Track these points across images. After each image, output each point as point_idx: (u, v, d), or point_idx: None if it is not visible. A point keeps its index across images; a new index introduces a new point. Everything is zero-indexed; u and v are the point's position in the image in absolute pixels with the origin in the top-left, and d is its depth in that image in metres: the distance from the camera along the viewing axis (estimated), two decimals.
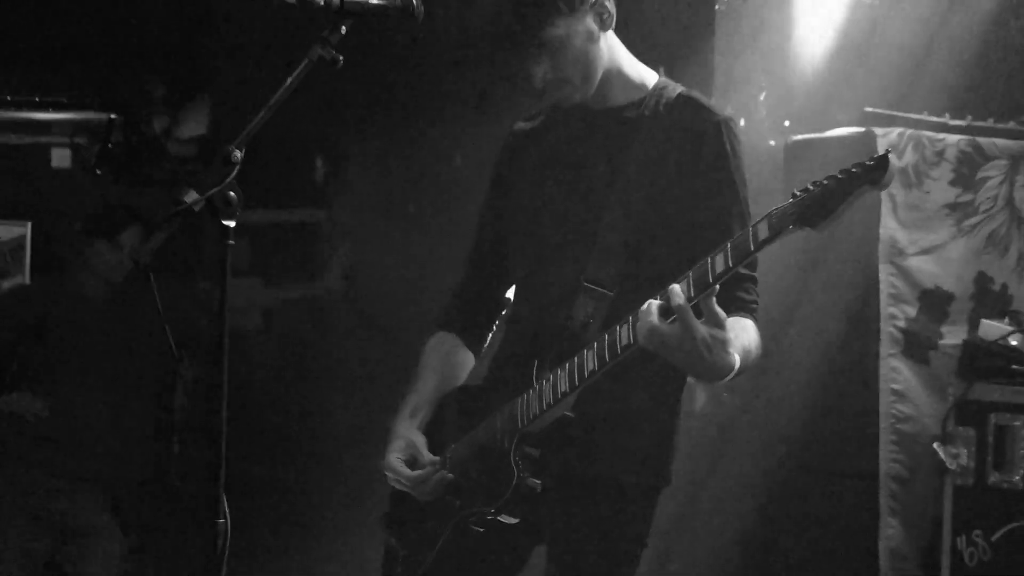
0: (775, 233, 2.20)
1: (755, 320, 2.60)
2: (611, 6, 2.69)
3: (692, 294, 2.26)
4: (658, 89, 2.81)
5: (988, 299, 4.18)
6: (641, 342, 2.32)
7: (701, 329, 2.25)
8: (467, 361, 2.99)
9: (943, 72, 4.47)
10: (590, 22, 2.68)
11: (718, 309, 2.26)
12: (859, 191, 2.12)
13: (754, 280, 2.62)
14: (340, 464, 5.17)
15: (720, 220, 2.59)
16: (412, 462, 2.78)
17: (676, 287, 2.26)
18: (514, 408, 2.67)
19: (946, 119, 4.26)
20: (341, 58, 2.39)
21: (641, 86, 2.82)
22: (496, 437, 2.70)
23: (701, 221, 2.63)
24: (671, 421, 2.80)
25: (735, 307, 2.53)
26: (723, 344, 2.28)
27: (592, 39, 2.71)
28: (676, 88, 2.80)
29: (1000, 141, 4.32)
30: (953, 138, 4.23)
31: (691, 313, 2.23)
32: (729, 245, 2.26)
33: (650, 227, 2.67)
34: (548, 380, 2.60)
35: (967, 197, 4.23)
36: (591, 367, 2.50)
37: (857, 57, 4.14)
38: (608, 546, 2.75)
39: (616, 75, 2.80)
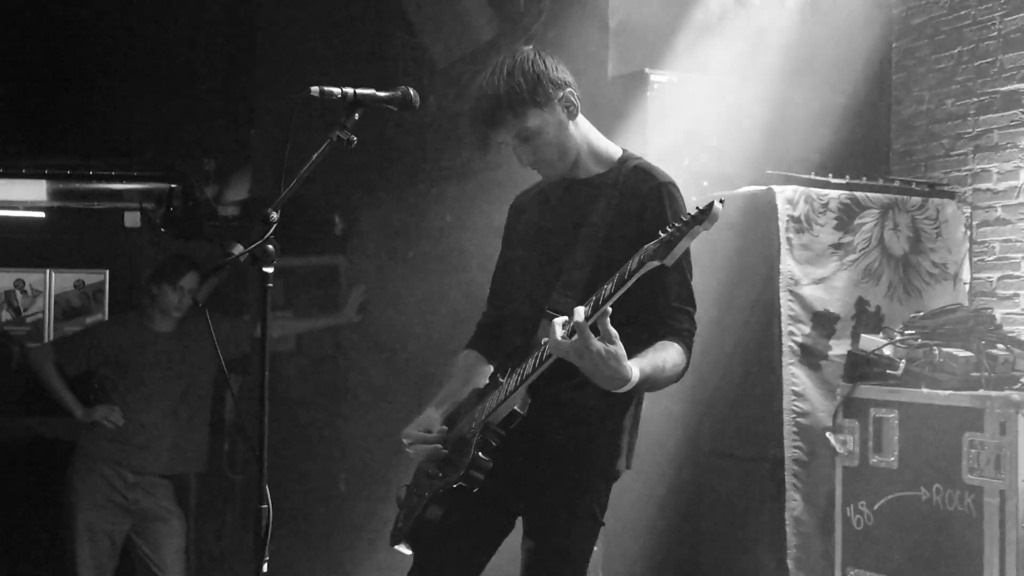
0: (640, 266, 2.30)
1: (685, 345, 2.59)
2: (575, 99, 2.73)
3: (590, 313, 2.30)
4: (621, 161, 2.83)
5: (866, 319, 4.19)
6: (551, 352, 2.38)
7: (597, 344, 2.28)
8: (486, 370, 2.94)
9: (829, 140, 4.50)
10: (559, 113, 2.69)
11: (611, 328, 2.28)
12: (693, 231, 2.25)
13: (688, 312, 2.61)
14: (355, 459, 5.14)
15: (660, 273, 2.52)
16: (425, 429, 2.78)
17: (580, 308, 2.32)
18: (483, 404, 2.71)
19: (829, 178, 4.28)
20: (355, 138, 2.41)
21: (608, 160, 2.84)
22: (471, 427, 2.71)
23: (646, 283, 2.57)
24: (624, 415, 2.77)
25: (667, 333, 2.57)
26: (616, 357, 2.30)
27: (563, 127, 2.72)
28: (635, 160, 2.82)
29: (872, 194, 4.33)
30: (835, 192, 4.25)
31: (587, 330, 2.25)
32: (616, 275, 2.34)
33: (604, 266, 2.62)
34: (505, 383, 2.65)
35: (848, 239, 4.24)
36: (528, 371, 2.55)
37: (760, 130, 4.15)
38: (569, 523, 2.72)
39: (587, 153, 2.81)
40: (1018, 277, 4.48)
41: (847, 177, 4.32)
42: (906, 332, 4.03)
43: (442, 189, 4.28)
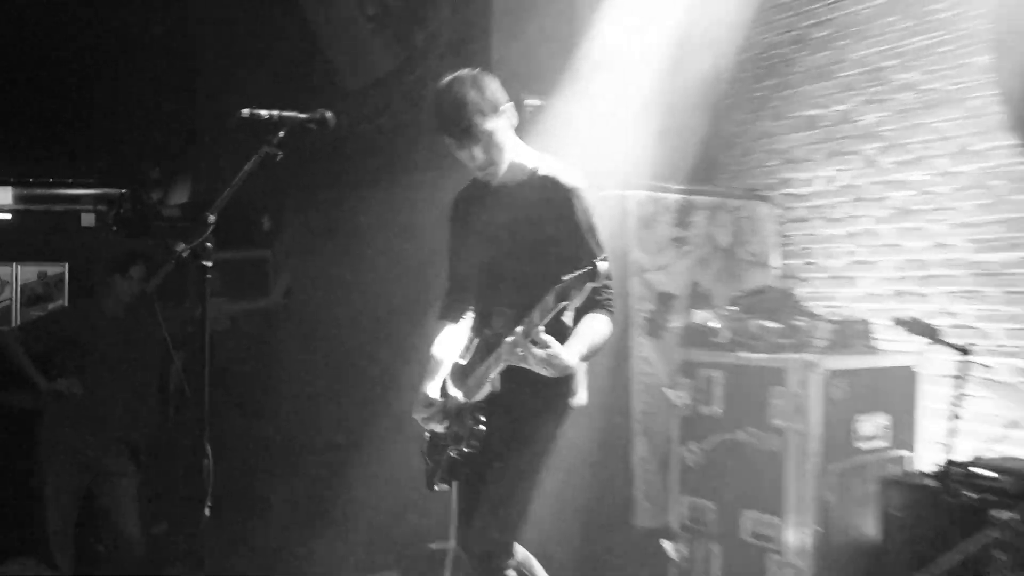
0: (559, 301, 2.36)
1: (608, 312, 2.69)
2: (515, 116, 2.80)
3: (528, 330, 2.43)
4: (536, 169, 2.84)
5: (697, 298, 4.34)
6: (504, 360, 2.55)
7: (539, 353, 2.44)
8: (459, 332, 2.97)
9: (672, 154, 4.55)
10: (504, 122, 2.75)
11: (545, 338, 2.42)
12: (588, 280, 2.34)
13: (606, 286, 2.65)
14: (284, 414, 5.15)
15: (574, 256, 2.59)
16: (427, 403, 2.85)
17: (519, 330, 2.45)
18: (466, 384, 2.77)
19: (669, 184, 4.40)
20: (280, 153, 2.46)
21: (528, 169, 2.84)
22: (463, 405, 2.78)
23: (563, 257, 2.62)
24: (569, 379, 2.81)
25: (594, 307, 2.65)
26: (556, 357, 2.46)
27: (507, 133, 2.78)
28: (548, 168, 2.82)
29: (702, 198, 4.49)
30: (674, 196, 4.38)
31: (528, 346, 2.42)
32: (539, 306, 2.42)
33: (533, 266, 2.70)
34: (478, 371, 2.73)
35: (684, 233, 4.37)
36: (492, 361, 2.65)
37: (619, 145, 4.19)
38: (523, 454, 2.78)
39: (515, 164, 2.84)
40: (813, 263, 4.68)
41: (683, 184, 4.45)
42: (729, 308, 4.16)
43: (357, 194, 4.33)
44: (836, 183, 4.58)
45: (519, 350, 2.45)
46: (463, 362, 2.88)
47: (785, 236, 4.79)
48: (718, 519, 3.86)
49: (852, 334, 3.96)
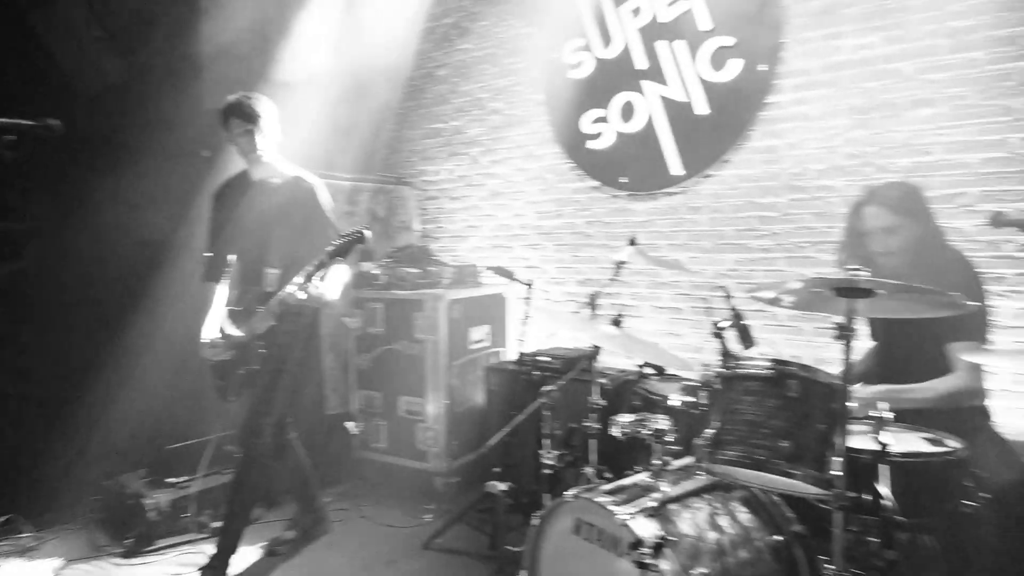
0: (334, 257, 2.54)
1: (348, 263, 2.75)
2: (277, 134, 2.85)
3: (304, 281, 2.54)
4: (287, 172, 2.88)
5: (366, 252, 4.11)
6: (288, 301, 2.60)
7: (314, 292, 2.56)
8: (219, 291, 2.88)
9: (351, 149, 4.47)
10: (274, 134, 2.82)
11: (319, 283, 2.55)
12: (358, 243, 2.55)
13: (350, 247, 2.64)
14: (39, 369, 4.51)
15: (322, 231, 2.75)
16: (213, 344, 2.77)
17: (300, 278, 2.53)
18: (252, 324, 2.74)
19: (341, 174, 4.37)
20: (11, 154, 2.23)
21: (280, 170, 2.88)
22: (248, 339, 2.76)
23: (314, 232, 2.76)
24: (317, 316, 2.96)
25: (342, 261, 2.68)
26: (324, 295, 2.61)
27: (271, 142, 2.83)
28: (296, 170, 2.90)
29: (366, 184, 4.55)
30: (346, 183, 4.40)
31: (307, 288, 2.53)
32: (318, 261, 2.53)
33: (293, 239, 2.77)
34: (259, 313, 2.72)
35: (353, 208, 4.42)
36: (276, 310, 2.68)
37: (310, 139, 3.84)
38: (287, 366, 2.84)
39: (273, 165, 2.87)
40: (441, 227, 4.89)
41: (351, 173, 4.47)
42: (385, 260, 4.24)
43: (97, 177, 3.83)
44: (454, 174, 4.85)
45: (300, 291, 2.56)
46: (239, 308, 2.85)
47: (423, 209, 4.98)
48: (383, 404, 3.93)
49: (466, 275, 4.24)
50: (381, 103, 4.76)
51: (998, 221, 2.11)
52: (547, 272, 4.45)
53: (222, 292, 2.93)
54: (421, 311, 3.83)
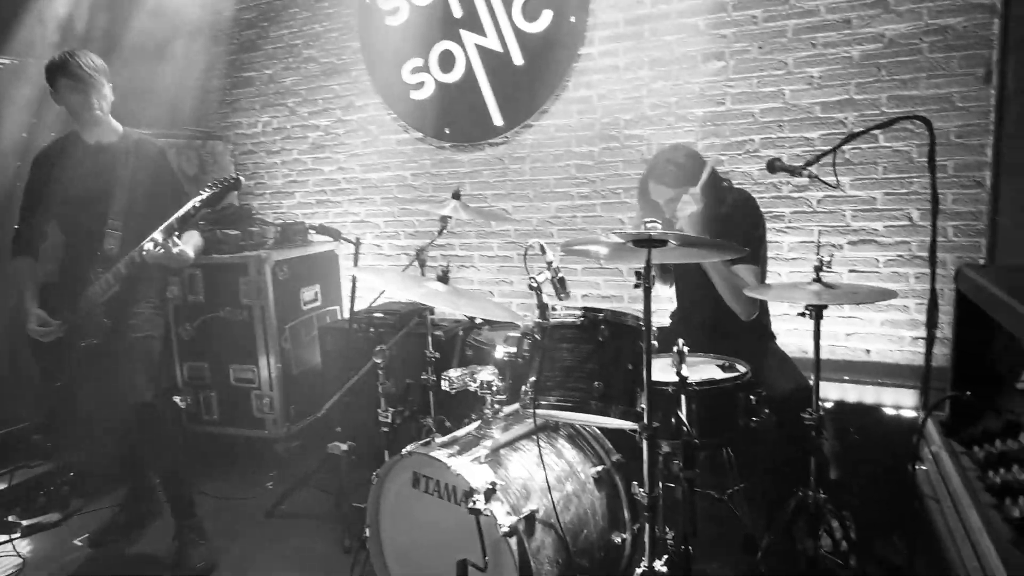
0: (203, 209, 2.49)
1: (199, 229, 2.74)
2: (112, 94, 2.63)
3: (162, 238, 2.43)
4: (127, 134, 2.71)
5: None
6: (147, 259, 2.47)
7: (173, 249, 2.45)
8: (36, 266, 2.72)
9: (182, 109, 4.30)
10: (108, 92, 2.62)
11: (178, 240, 2.46)
12: (234, 189, 2.55)
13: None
14: None
15: (172, 198, 2.59)
16: (44, 323, 2.58)
17: (158, 234, 2.43)
18: (91, 293, 2.58)
19: (144, 131, 4.05)
20: None
21: (118, 131, 2.71)
22: (87, 309, 2.59)
23: (163, 197, 2.61)
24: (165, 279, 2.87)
25: (193, 227, 2.65)
26: (184, 251, 2.50)
27: (108, 101, 2.64)
28: (138, 133, 2.74)
29: (172, 140, 4.19)
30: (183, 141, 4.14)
31: (168, 244, 2.43)
32: (180, 215, 2.45)
33: (140, 200, 2.62)
34: (103, 278, 2.57)
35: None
36: (124, 272, 2.56)
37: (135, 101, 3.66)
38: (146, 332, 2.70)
39: (109, 125, 2.69)
40: (263, 183, 4.71)
41: (183, 128, 4.29)
42: (200, 222, 3.85)
43: None
44: (271, 126, 4.65)
45: (160, 248, 2.42)
46: (67, 281, 2.68)
47: (239, 164, 4.76)
48: (211, 374, 3.80)
49: (292, 233, 4.10)
50: (183, 51, 4.41)
51: (773, 167, 2.38)
52: (377, 226, 4.41)
53: (32, 267, 2.72)
54: (245, 275, 3.70)
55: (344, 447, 2.97)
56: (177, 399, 3.91)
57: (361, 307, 3.55)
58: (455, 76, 3.96)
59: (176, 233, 2.47)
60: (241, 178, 2.57)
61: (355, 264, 3.27)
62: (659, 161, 2.55)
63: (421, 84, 4.07)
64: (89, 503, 3.38)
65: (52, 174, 2.70)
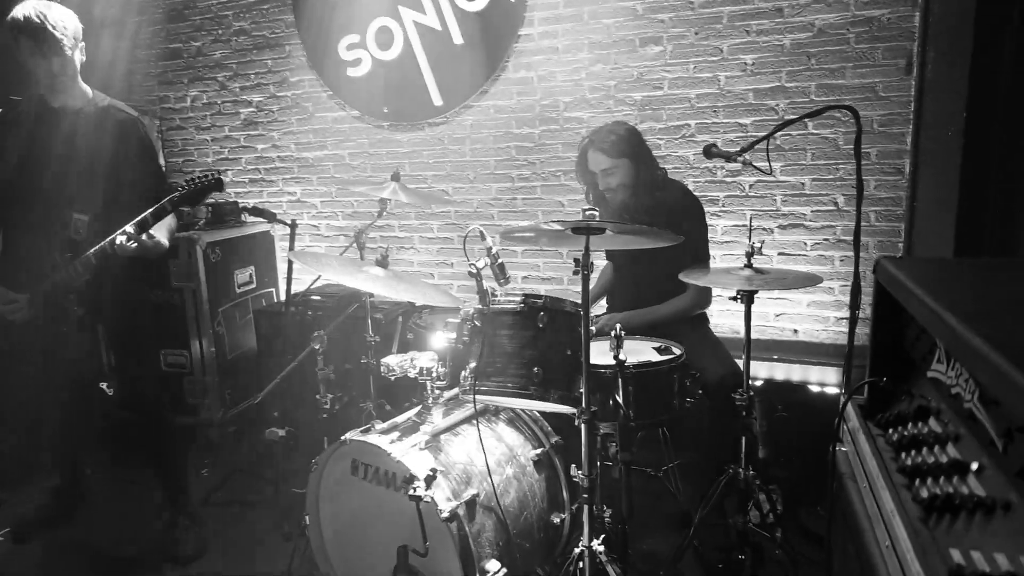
0: (181, 206, 2.29)
1: (174, 214, 2.44)
2: (83, 54, 2.38)
3: (135, 232, 2.22)
4: (95, 99, 2.44)
5: None
6: (119, 252, 2.25)
7: (148, 242, 2.25)
8: None
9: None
10: (78, 55, 2.34)
11: (155, 232, 2.27)
12: (216, 190, 2.34)
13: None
14: None
15: (147, 177, 2.42)
16: (8, 300, 2.38)
17: (131, 228, 2.22)
18: (66, 275, 2.36)
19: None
20: None
21: (86, 96, 2.43)
22: (60, 291, 2.40)
23: (138, 172, 2.39)
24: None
25: (160, 213, 2.35)
26: (159, 244, 2.31)
27: (76, 64, 2.37)
28: (106, 99, 2.46)
29: None
30: None
31: (140, 238, 2.22)
32: (155, 209, 2.25)
33: (109, 179, 2.36)
34: (79, 261, 2.34)
35: None
36: (95, 262, 2.32)
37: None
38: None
39: (78, 89, 2.42)
40: (192, 160, 4.56)
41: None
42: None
43: None
44: (200, 101, 4.49)
45: (132, 242, 2.21)
46: (30, 259, 2.46)
47: (167, 140, 4.59)
48: (138, 361, 3.66)
49: (225, 213, 3.98)
50: (111, 19, 4.20)
51: (709, 153, 2.44)
52: (314, 207, 4.33)
53: None
54: (175, 257, 3.60)
55: (282, 433, 2.92)
56: (103, 386, 3.78)
57: (298, 290, 3.47)
58: (393, 53, 3.89)
59: (150, 227, 2.29)
60: (223, 178, 2.36)
61: (291, 247, 3.19)
62: (601, 131, 2.63)
63: (358, 61, 3.99)
64: (12, 494, 3.24)
65: (8, 137, 2.50)
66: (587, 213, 1.78)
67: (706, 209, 3.21)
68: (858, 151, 2.22)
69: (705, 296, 2.66)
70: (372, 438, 2.03)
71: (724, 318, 3.40)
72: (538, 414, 2.32)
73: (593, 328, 2.53)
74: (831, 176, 3.22)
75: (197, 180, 2.32)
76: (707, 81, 3.35)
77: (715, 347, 2.61)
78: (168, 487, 2.80)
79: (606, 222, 1.78)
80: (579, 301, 1.89)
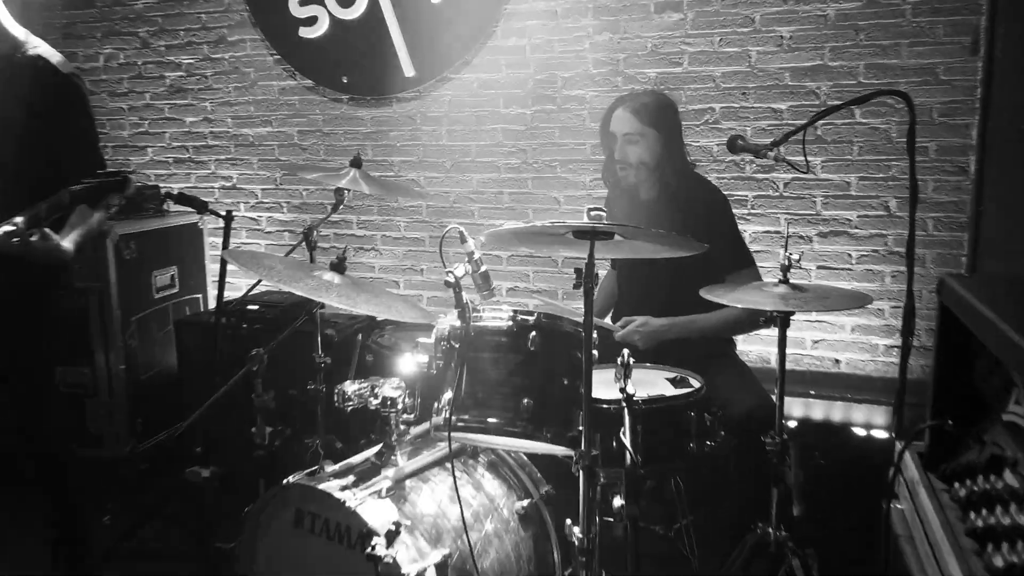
0: (74, 203, 2.13)
1: (107, 208, 2.38)
2: None
3: (34, 221, 2.11)
4: (23, 44, 2.34)
5: None
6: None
7: (40, 245, 2.16)
8: None
9: None
10: None
11: (49, 232, 2.17)
12: (116, 191, 2.17)
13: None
14: None
15: (76, 149, 2.33)
16: None
17: (19, 220, 2.10)
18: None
19: None
20: None
21: (18, 41, 2.34)
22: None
23: (66, 148, 2.31)
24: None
25: (96, 203, 2.28)
26: (57, 248, 2.24)
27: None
28: (37, 47, 2.34)
29: None
30: None
31: (27, 235, 2.11)
32: (51, 201, 2.11)
33: (23, 154, 2.27)
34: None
35: None
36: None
37: None
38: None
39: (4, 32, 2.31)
40: (105, 133, 4.44)
41: None
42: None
43: None
44: (116, 61, 4.47)
45: (16, 240, 2.08)
46: None
47: None
48: (27, 379, 3.43)
49: (143, 200, 3.92)
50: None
51: (734, 146, 2.46)
52: (254, 196, 4.32)
53: None
54: (80, 252, 3.53)
55: (207, 473, 2.89)
56: None
57: (232, 297, 3.42)
58: (356, 12, 3.90)
59: (44, 225, 2.19)
60: (131, 177, 2.24)
61: (225, 244, 3.17)
62: (636, 92, 2.72)
63: (313, 19, 3.99)
64: None
65: None
66: (592, 214, 1.78)
67: (734, 211, 3.23)
68: (911, 145, 2.25)
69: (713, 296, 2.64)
70: (321, 482, 2.01)
71: (752, 344, 3.42)
72: (526, 457, 2.32)
73: (617, 332, 2.55)
74: (881, 175, 3.26)
75: (98, 178, 2.20)
76: (735, 57, 3.39)
77: (743, 374, 2.63)
78: (61, 536, 2.75)
79: (615, 225, 1.78)
80: (579, 319, 1.89)
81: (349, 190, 2.70)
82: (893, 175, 3.25)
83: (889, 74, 3.18)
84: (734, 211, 2.96)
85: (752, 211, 3.43)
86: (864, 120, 3.26)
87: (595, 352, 1.92)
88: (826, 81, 3.27)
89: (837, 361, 3.39)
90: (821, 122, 3.21)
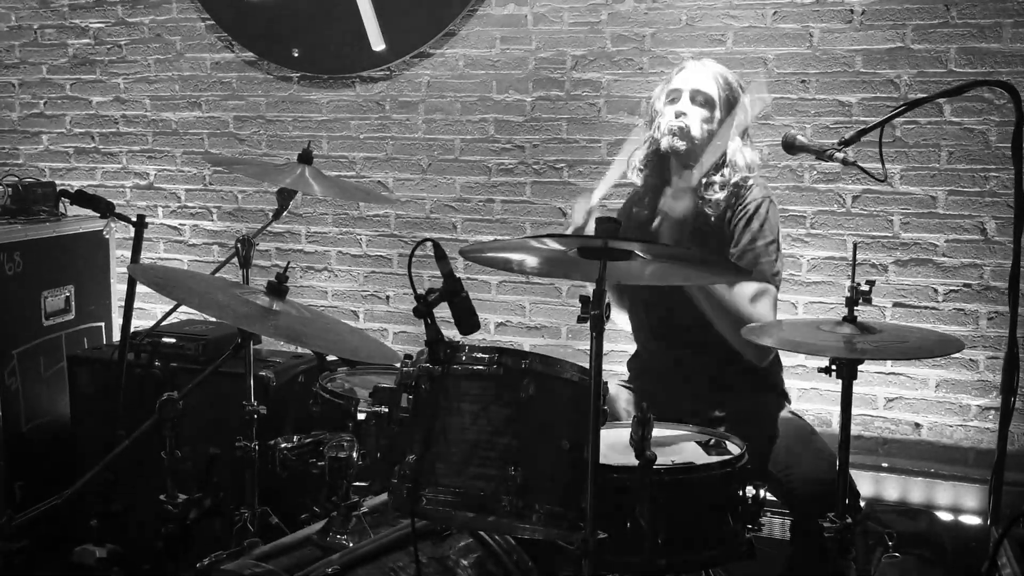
0: None
1: None
2: None
3: None
4: None
5: None
6: None
7: None
8: None
9: None
10: None
11: None
12: None
13: None
14: None
15: None
16: None
17: None
18: None
19: None
20: None
21: None
22: None
23: None
24: None
25: None
26: None
27: None
28: None
29: None
30: None
31: None
32: None
33: None
34: None
35: None
36: None
37: None
38: None
39: None
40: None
41: None
42: None
43: None
44: (6, 23, 4.50)
45: None
46: None
47: None
48: None
49: (31, 200, 3.95)
50: None
51: (791, 146, 2.47)
52: (176, 198, 4.35)
53: None
54: None
55: (102, 553, 2.88)
56: None
57: (143, 326, 3.51)
58: None
59: None
60: None
61: (135, 258, 3.18)
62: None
63: None
64: None
65: None
66: (602, 225, 1.78)
67: (787, 231, 3.24)
68: (1017, 151, 2.25)
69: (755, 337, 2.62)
70: (248, 567, 1.99)
71: (807, 401, 3.41)
72: (511, 540, 2.30)
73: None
74: (977, 188, 3.27)
75: None
76: (792, 36, 3.41)
77: (802, 440, 2.62)
78: None
79: (634, 240, 1.78)
80: (585, 364, 1.87)
81: (297, 192, 2.71)
82: (992, 189, 3.25)
83: (988, 61, 3.20)
84: (788, 231, 2.98)
85: (811, 231, 3.43)
86: (956, 119, 3.27)
87: (605, 408, 1.91)
88: (908, 68, 3.29)
89: (917, 425, 3.37)
90: (901, 120, 3.22)
